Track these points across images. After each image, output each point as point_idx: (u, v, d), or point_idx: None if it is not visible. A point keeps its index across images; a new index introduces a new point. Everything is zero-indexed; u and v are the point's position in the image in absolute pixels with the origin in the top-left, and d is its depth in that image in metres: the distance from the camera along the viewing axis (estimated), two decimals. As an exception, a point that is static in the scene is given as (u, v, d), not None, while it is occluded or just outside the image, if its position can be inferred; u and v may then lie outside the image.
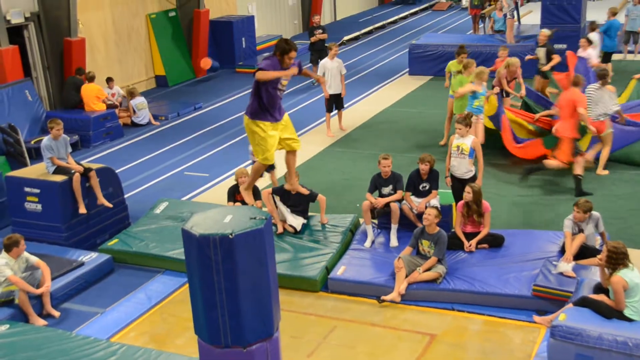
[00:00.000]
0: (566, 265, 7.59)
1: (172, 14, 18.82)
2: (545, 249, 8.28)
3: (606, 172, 10.89)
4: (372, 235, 8.89)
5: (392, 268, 7.99)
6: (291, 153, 7.59)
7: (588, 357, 6.15)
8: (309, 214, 9.41)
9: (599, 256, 6.84)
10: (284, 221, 9.18)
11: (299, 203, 9.22)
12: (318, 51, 17.05)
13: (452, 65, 12.77)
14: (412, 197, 9.02)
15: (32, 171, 9.67)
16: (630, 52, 18.53)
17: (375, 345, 7.07)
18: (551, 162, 10.47)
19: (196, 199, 10.87)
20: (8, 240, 7.69)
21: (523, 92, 12.50)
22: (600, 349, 6.09)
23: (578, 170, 10.22)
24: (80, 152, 13.38)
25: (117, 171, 10.12)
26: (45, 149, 9.28)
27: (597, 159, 10.91)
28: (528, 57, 14.89)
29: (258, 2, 22.69)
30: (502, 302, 7.54)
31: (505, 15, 18.85)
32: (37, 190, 9.21)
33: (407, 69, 18.69)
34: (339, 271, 8.19)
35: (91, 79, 14.35)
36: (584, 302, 6.61)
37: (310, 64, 17.62)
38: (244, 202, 9.36)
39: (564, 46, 15.90)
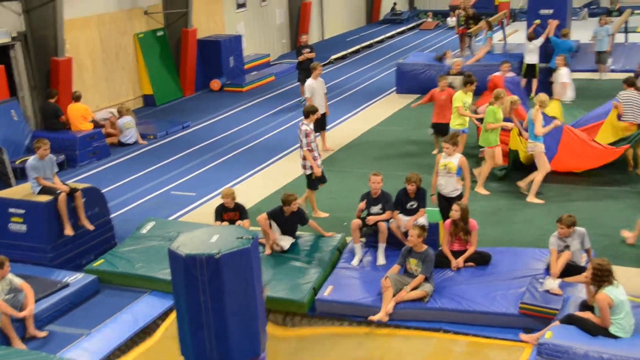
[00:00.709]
0: (552, 283, 7.61)
1: (160, 33, 18.86)
2: (531, 267, 8.29)
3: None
4: (360, 253, 8.88)
5: (379, 287, 7.98)
6: None
7: (575, 375, 6.16)
8: (297, 232, 9.40)
9: (584, 273, 6.88)
10: (273, 242, 9.15)
11: (292, 224, 9.21)
12: (306, 70, 17.09)
13: (460, 96, 11.92)
14: (400, 215, 9.04)
15: (17, 191, 9.60)
16: (594, 70, 18.72)
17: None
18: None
19: (183, 219, 10.83)
20: (-8, 262, 7.61)
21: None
22: (587, 366, 6.10)
23: None
24: (66, 171, 13.32)
25: (103, 191, 10.08)
26: (31, 169, 9.23)
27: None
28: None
29: (246, 21, 22.81)
30: (489, 321, 7.53)
31: (487, 36, 19.03)
32: (21, 211, 9.14)
33: (395, 88, 18.79)
34: (326, 292, 8.15)
35: (77, 98, 14.32)
36: (570, 320, 6.64)
37: (298, 82, 17.71)
38: (231, 222, 9.35)
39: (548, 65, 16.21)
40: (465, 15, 20.61)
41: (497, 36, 23.12)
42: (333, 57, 23.81)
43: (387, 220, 8.93)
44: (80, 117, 14.23)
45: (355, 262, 8.78)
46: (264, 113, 17.42)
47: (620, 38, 21.83)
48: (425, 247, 8.01)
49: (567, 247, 7.93)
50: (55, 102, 14.31)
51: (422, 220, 8.85)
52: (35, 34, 14.72)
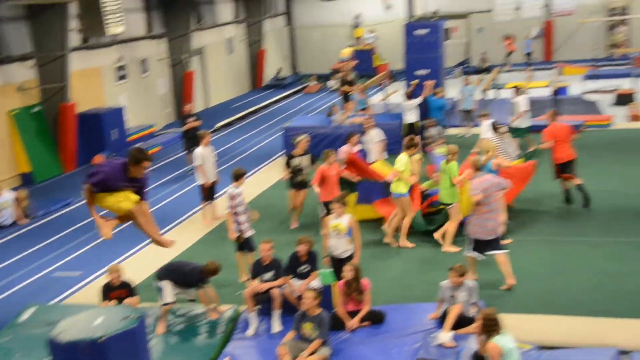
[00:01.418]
0: (445, 336, 7.76)
1: (37, 108, 18.24)
2: (425, 322, 8.42)
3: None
4: (256, 322, 8.72)
5: (276, 356, 7.83)
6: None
7: None
8: (195, 305, 9.15)
9: (474, 324, 7.06)
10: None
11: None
12: (191, 139, 17.00)
13: (408, 164, 11.24)
14: (293, 280, 8.98)
15: None
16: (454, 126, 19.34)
17: None
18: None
19: (68, 301, 10.28)
20: None
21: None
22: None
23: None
24: (-64, 260, 12.41)
25: (-24, 278, 9.46)
26: None
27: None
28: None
29: (128, 93, 22.50)
30: (388, 379, 7.55)
31: (366, 97, 19.74)
32: None
33: (284, 151, 18.96)
34: (222, 365, 7.93)
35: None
36: (465, 372, 6.75)
37: (185, 151, 17.55)
38: (120, 300, 8.97)
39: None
40: (341, 79, 21.42)
41: (379, 96, 24.07)
42: (219, 124, 23.84)
43: (280, 287, 8.86)
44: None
45: (250, 332, 8.61)
46: (151, 184, 17.01)
47: (491, 94, 23.25)
48: (319, 310, 7.97)
49: (452, 297, 8.15)
50: None
51: (315, 283, 8.84)
52: None
